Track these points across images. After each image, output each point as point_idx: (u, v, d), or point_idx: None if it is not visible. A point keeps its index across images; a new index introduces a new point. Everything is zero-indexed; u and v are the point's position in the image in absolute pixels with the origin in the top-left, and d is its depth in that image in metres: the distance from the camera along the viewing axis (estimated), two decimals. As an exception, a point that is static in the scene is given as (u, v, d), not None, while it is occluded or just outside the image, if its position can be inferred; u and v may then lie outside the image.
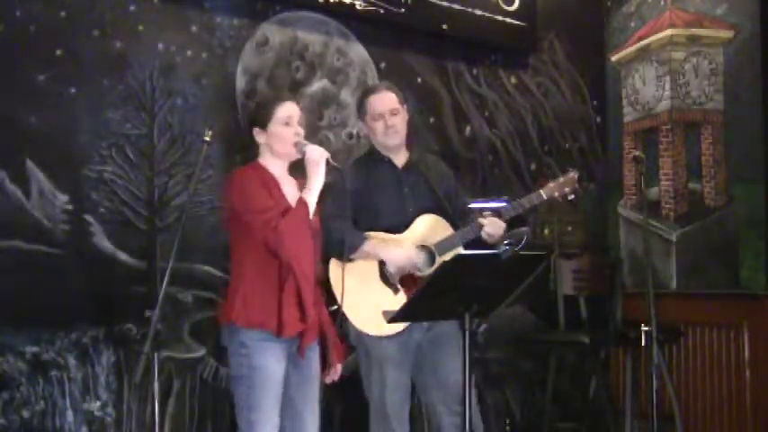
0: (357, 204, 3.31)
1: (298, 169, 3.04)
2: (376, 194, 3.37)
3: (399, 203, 3.37)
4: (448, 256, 3.22)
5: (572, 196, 3.45)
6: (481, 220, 3.29)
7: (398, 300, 3.25)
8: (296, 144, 2.96)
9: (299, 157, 3.00)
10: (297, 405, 2.96)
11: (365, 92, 3.53)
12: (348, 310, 3.18)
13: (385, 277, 3.31)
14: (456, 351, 3.19)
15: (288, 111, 2.97)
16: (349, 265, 3.18)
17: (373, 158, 3.46)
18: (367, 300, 3.24)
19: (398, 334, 3.24)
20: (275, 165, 3.00)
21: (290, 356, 2.92)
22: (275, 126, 2.96)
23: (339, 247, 3.18)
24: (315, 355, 3.01)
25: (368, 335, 3.27)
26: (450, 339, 3.31)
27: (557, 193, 3.42)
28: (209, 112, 3.85)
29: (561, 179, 3.44)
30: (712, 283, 4.92)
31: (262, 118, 2.97)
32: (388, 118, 3.37)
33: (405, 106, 3.46)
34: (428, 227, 3.34)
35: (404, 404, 3.36)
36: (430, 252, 3.31)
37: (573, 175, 3.45)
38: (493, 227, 3.27)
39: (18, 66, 3.40)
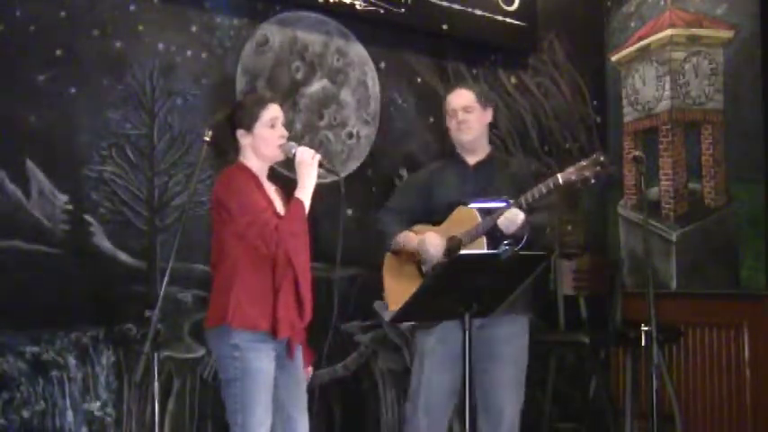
0: (420, 200, 3.48)
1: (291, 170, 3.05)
2: (442, 191, 3.45)
3: (459, 200, 3.39)
4: (473, 246, 3.26)
5: (593, 180, 3.22)
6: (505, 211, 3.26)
7: None
8: (281, 146, 2.97)
9: (282, 158, 3.01)
10: (286, 407, 2.95)
11: (447, 90, 3.72)
12: (389, 300, 3.42)
13: (421, 268, 3.39)
14: (504, 364, 3.32)
15: (273, 113, 2.98)
16: (395, 258, 3.43)
17: (451, 157, 3.57)
18: (404, 290, 3.28)
19: (444, 330, 3.27)
20: (257, 166, 3.00)
21: (277, 358, 2.91)
22: (260, 128, 2.96)
23: (381, 237, 3.44)
24: (301, 355, 3.01)
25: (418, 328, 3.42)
26: (499, 347, 3.34)
27: (574, 177, 3.21)
28: (209, 113, 3.84)
29: (583, 162, 3.24)
30: (712, 283, 4.92)
31: (246, 120, 2.97)
32: (461, 114, 3.45)
33: (487, 108, 3.50)
34: (461, 218, 3.35)
35: (438, 401, 3.36)
36: (459, 242, 3.33)
37: (596, 156, 3.24)
38: (509, 217, 3.21)
39: (18, 66, 3.40)
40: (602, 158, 3.19)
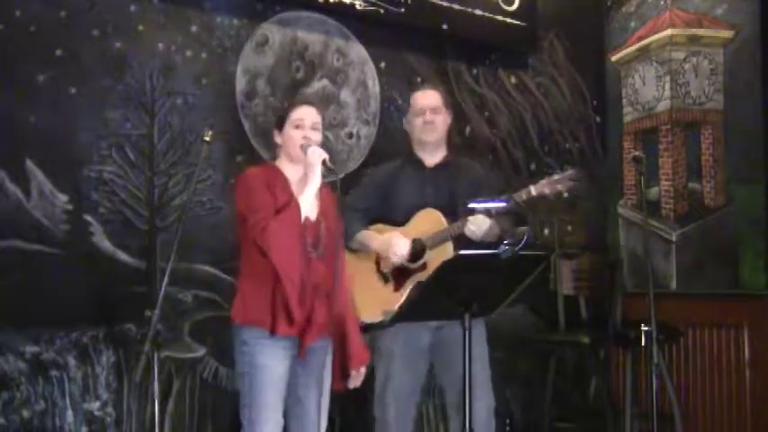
0: (379, 199, 3.45)
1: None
2: (400, 191, 3.45)
3: (419, 201, 3.40)
4: (437, 250, 3.26)
5: (566, 194, 3.37)
6: (469, 216, 3.26)
7: (388, 290, 3.35)
8: (301, 147, 2.97)
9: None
10: (304, 405, 2.96)
11: (413, 90, 3.71)
12: None
13: (380, 268, 3.38)
14: (471, 363, 3.24)
15: (301, 114, 3.00)
16: (354, 256, 3.37)
17: (407, 158, 3.54)
18: (363, 288, 3.31)
19: (404, 330, 3.27)
20: (290, 168, 3.01)
21: (295, 356, 2.92)
22: (288, 128, 3.00)
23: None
24: (323, 355, 2.99)
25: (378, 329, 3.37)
26: (460, 342, 3.31)
27: (547, 190, 3.28)
28: (209, 112, 3.85)
29: (556, 176, 3.32)
30: (712, 283, 4.92)
31: (280, 120, 3.03)
32: (429, 114, 3.45)
33: (449, 111, 3.52)
34: (426, 221, 3.35)
35: (404, 401, 3.37)
36: (422, 244, 3.33)
37: (569, 172, 3.34)
38: (475, 224, 3.22)
39: (18, 66, 3.40)
40: (573, 174, 3.28)
